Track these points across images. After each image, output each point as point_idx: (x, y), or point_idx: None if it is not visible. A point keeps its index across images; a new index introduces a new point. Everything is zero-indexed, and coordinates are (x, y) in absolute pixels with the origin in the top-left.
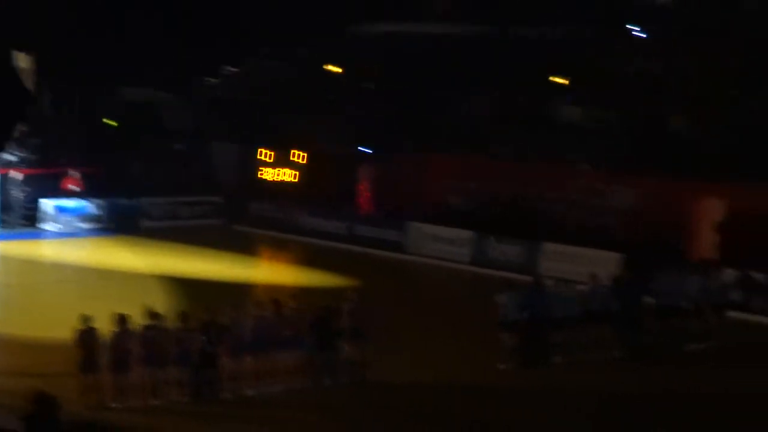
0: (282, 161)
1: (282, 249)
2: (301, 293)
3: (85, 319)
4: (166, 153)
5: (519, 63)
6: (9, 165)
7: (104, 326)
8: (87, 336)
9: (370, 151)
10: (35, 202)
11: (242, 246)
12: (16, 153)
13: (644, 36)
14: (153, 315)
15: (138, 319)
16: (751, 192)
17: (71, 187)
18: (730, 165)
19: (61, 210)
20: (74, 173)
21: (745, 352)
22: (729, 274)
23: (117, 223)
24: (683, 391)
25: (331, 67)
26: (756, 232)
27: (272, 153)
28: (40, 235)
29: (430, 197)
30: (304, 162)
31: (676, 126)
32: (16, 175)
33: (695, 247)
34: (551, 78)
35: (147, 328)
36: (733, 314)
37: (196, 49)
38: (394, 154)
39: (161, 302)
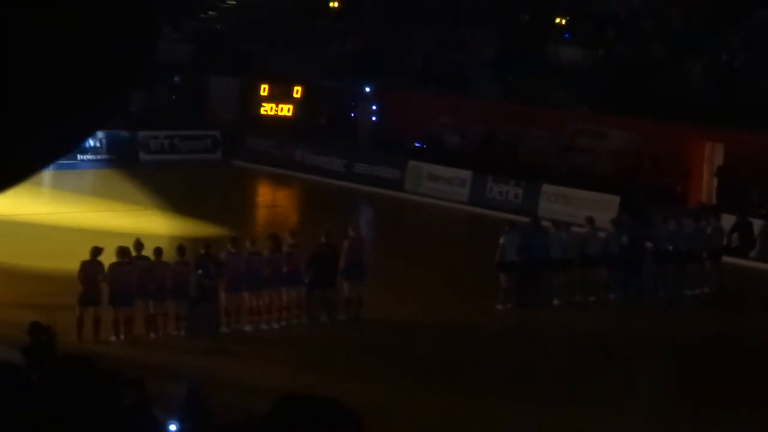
0: (279, 96)
1: (279, 186)
2: (299, 230)
3: (95, 251)
4: (163, 86)
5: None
6: None
7: (106, 259)
8: (90, 268)
9: (368, 88)
10: None
11: (239, 182)
12: None
13: None
14: (153, 250)
15: (136, 252)
16: (751, 138)
17: None
18: (730, 111)
19: None
20: None
21: (742, 297)
22: (727, 219)
23: (116, 155)
24: (677, 335)
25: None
26: (754, 178)
27: (269, 87)
28: None
29: (428, 135)
30: (300, 97)
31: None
32: None
33: (693, 191)
34: (549, 18)
35: (144, 260)
36: (730, 260)
37: None
38: (392, 91)
39: (161, 236)
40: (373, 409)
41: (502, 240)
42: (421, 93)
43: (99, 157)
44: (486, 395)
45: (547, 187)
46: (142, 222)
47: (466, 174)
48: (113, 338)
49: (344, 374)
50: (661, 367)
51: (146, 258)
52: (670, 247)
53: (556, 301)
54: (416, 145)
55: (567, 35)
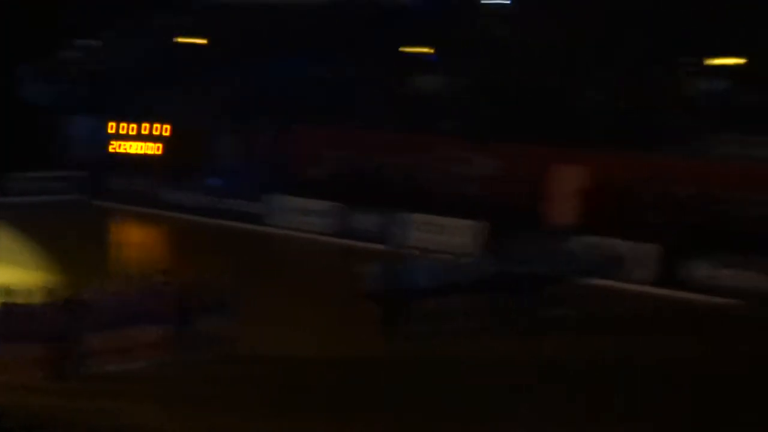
0: (143, 135)
1: (143, 224)
2: (161, 268)
3: None
4: (27, 126)
5: (377, 31)
6: None
7: None
8: None
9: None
10: None
11: (100, 221)
12: None
13: (507, 2)
14: (10, 292)
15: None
16: (610, 161)
17: None
18: (591, 134)
19: None
20: None
21: (601, 318)
22: (586, 240)
23: None
24: (540, 357)
25: (190, 39)
26: (614, 200)
27: (130, 126)
28: None
29: (292, 169)
30: (166, 135)
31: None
32: None
33: (554, 213)
34: (413, 47)
35: (4, 304)
36: (590, 281)
37: (57, 20)
38: (257, 127)
39: (21, 278)
40: None
41: (369, 270)
42: (285, 128)
43: None
44: (367, 426)
45: (414, 216)
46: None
47: (331, 205)
48: None
49: (217, 411)
50: (542, 390)
51: (12, 302)
52: (537, 270)
53: (424, 329)
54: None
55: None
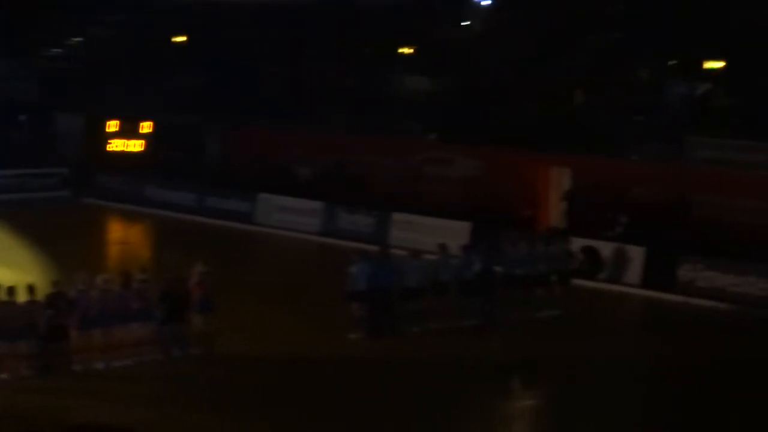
0: (128, 131)
1: (129, 222)
2: (150, 266)
3: None
4: (10, 124)
5: (357, 31)
6: None
7: None
8: None
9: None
10: None
11: (88, 219)
12: None
13: (489, 2)
14: (5, 290)
15: None
16: (596, 162)
17: None
18: (573, 138)
19: None
20: None
21: (590, 319)
22: (574, 242)
23: None
24: (532, 357)
25: (174, 37)
26: (600, 202)
27: (118, 123)
28: None
29: (278, 169)
30: (150, 132)
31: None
32: None
33: (542, 215)
34: (396, 48)
35: None
36: (578, 282)
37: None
38: (241, 126)
39: (8, 276)
40: None
41: (352, 269)
42: (270, 128)
43: None
44: (350, 427)
45: (397, 216)
46: None
47: (317, 205)
48: None
49: (202, 410)
50: (523, 389)
51: None
52: (520, 271)
53: (408, 329)
54: None
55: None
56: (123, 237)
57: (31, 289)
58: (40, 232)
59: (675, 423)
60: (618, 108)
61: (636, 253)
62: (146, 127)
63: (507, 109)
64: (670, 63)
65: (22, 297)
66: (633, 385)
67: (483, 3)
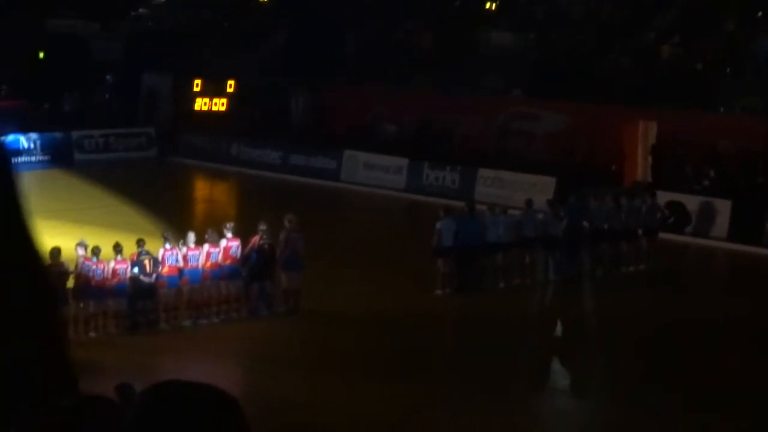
0: (214, 91)
1: (216, 180)
2: (237, 224)
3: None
4: (96, 85)
5: None
6: None
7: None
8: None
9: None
10: None
11: (175, 177)
12: None
13: None
14: (88, 248)
15: (73, 253)
16: (683, 116)
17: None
18: (660, 91)
19: None
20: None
21: (677, 274)
22: (660, 197)
23: (50, 156)
24: (616, 313)
25: None
26: (687, 156)
27: (204, 83)
28: None
29: (363, 126)
30: (234, 91)
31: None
32: None
33: (628, 170)
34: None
35: (84, 260)
36: (664, 237)
37: None
38: (326, 85)
39: (97, 235)
40: (318, 403)
41: (438, 226)
42: (356, 86)
43: (33, 158)
44: (435, 384)
45: (483, 172)
46: (79, 222)
47: (402, 161)
48: None
49: (288, 368)
50: (612, 348)
51: (89, 259)
52: (606, 226)
53: (495, 285)
54: None
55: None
56: (211, 195)
57: (117, 247)
58: (127, 191)
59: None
60: (706, 62)
61: (723, 207)
62: (230, 86)
63: (593, 64)
64: (759, 15)
65: (108, 256)
66: (717, 341)
67: None
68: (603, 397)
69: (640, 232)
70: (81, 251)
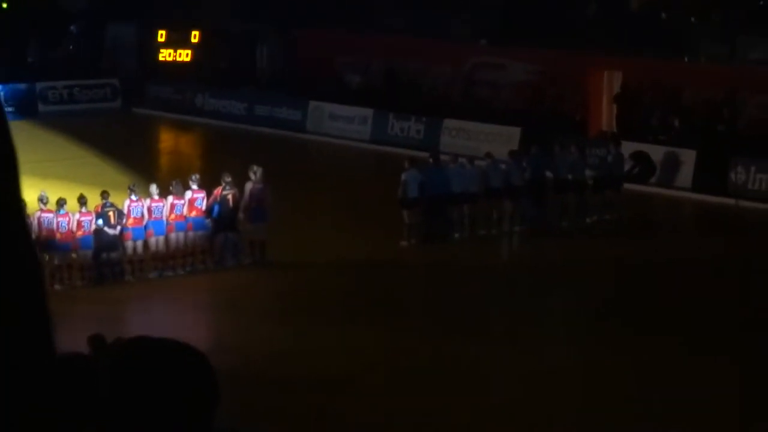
0: (177, 41)
1: (181, 131)
2: (202, 175)
3: None
4: (61, 36)
5: None
6: None
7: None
8: None
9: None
10: None
11: (140, 129)
12: None
13: None
14: (48, 200)
15: (35, 206)
16: (647, 64)
17: None
18: (625, 41)
19: None
20: None
21: (641, 223)
22: (625, 146)
23: (14, 108)
24: (583, 262)
25: None
26: (652, 105)
27: (168, 33)
28: None
29: (327, 74)
30: (199, 41)
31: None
32: None
33: (593, 119)
34: None
35: (41, 212)
36: (629, 187)
37: None
38: (291, 30)
39: (62, 187)
40: (287, 351)
41: (403, 177)
42: (320, 30)
43: None
44: (407, 330)
45: (448, 122)
46: (43, 174)
47: (367, 112)
48: None
49: (257, 318)
50: (580, 293)
51: (52, 211)
52: (570, 176)
53: (458, 235)
54: None
55: None
56: (175, 146)
57: (82, 199)
58: (92, 142)
59: (731, 319)
60: (671, 10)
61: (687, 157)
62: (195, 36)
63: (561, 12)
64: None
65: (73, 208)
66: (683, 284)
67: None
68: (566, 332)
69: (605, 182)
70: (40, 204)
